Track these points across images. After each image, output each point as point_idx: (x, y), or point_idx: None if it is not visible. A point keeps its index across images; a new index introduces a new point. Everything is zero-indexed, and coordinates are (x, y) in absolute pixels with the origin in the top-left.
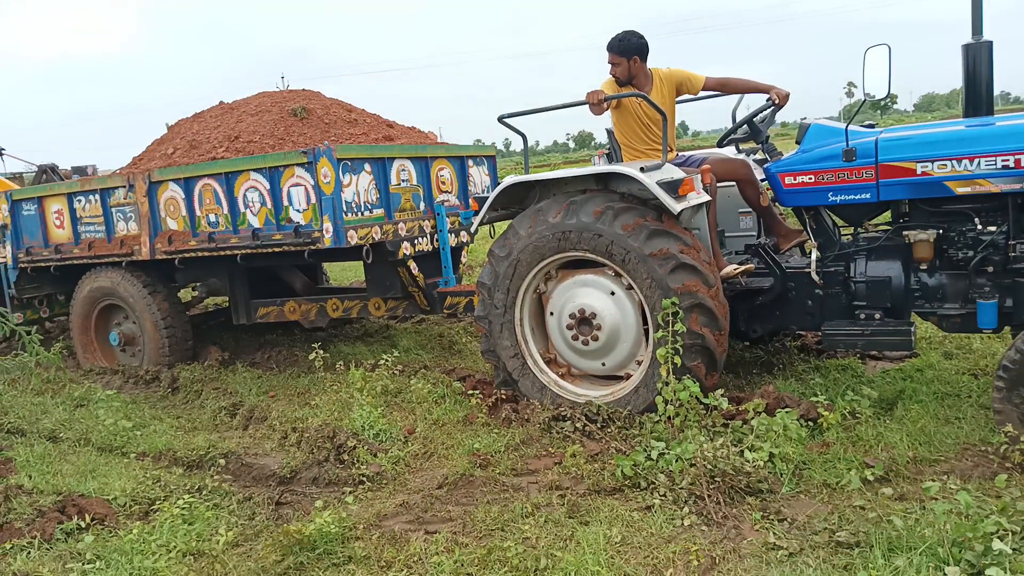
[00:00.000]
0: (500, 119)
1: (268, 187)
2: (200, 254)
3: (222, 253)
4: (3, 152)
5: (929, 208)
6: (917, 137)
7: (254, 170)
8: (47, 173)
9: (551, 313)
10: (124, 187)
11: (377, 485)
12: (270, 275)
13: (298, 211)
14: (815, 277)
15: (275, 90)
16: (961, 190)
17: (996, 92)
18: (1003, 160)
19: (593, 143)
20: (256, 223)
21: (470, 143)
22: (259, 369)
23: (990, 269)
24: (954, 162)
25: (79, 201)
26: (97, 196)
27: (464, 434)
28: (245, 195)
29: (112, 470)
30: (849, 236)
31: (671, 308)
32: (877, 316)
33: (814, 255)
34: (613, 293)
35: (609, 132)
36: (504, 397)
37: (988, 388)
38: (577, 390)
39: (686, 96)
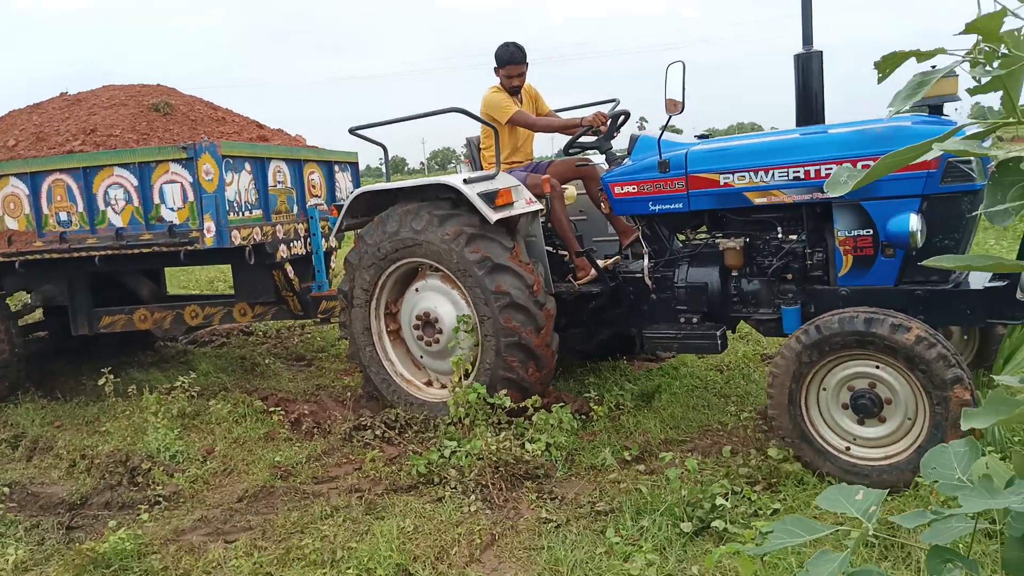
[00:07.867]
0: (352, 131)
1: (136, 184)
2: (48, 256)
3: (76, 255)
4: None
5: (736, 217)
6: (721, 150)
7: (119, 165)
8: None
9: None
10: None
11: (174, 504)
12: (112, 282)
13: (171, 209)
14: (648, 282)
15: (126, 84)
16: (758, 201)
17: None
18: (794, 172)
19: (450, 166)
20: (119, 222)
21: None
22: (43, 400)
23: (790, 276)
24: (751, 174)
25: None
26: None
27: (265, 450)
28: (106, 192)
29: None
30: (682, 243)
31: (462, 319)
32: (695, 320)
33: (646, 260)
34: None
35: (469, 140)
36: (306, 412)
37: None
38: (405, 372)
39: None
